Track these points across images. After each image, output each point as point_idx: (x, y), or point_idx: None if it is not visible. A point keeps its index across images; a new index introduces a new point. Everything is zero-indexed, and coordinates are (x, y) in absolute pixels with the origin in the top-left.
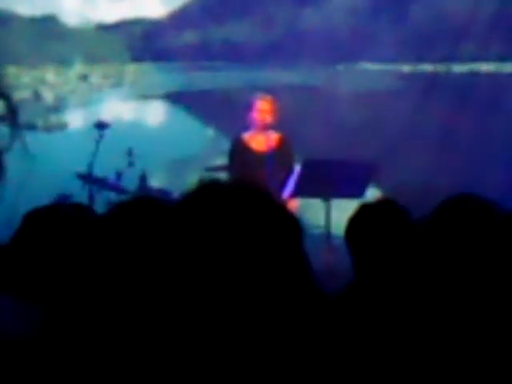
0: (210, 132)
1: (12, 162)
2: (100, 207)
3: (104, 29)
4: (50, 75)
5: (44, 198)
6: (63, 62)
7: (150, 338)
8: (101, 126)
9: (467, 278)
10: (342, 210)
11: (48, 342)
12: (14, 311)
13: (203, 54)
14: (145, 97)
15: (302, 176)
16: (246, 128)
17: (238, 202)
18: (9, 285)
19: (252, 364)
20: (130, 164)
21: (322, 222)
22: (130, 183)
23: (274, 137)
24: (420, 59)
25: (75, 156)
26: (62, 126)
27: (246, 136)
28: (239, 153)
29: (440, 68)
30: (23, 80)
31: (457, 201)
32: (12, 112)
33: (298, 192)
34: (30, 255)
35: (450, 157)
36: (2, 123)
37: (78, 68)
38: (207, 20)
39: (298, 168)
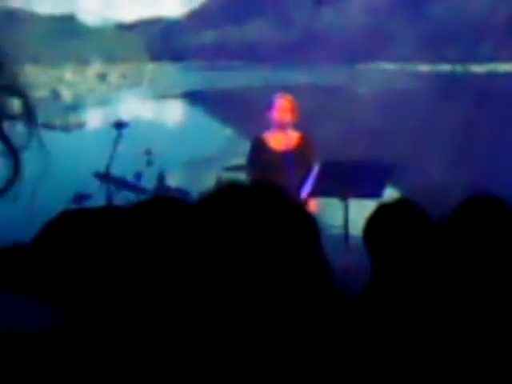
0: (227, 131)
1: (29, 160)
2: None
3: (123, 28)
4: (69, 74)
5: (62, 198)
6: (82, 61)
7: (172, 337)
8: (119, 125)
9: (485, 277)
10: (360, 210)
11: (70, 343)
12: (36, 312)
13: (221, 54)
14: (163, 96)
15: (319, 176)
16: (267, 128)
17: (256, 202)
18: (31, 285)
19: (270, 361)
20: (149, 163)
21: (339, 222)
22: (148, 183)
23: (294, 136)
24: (438, 59)
25: (93, 155)
26: (80, 125)
27: (266, 135)
28: (258, 152)
29: (458, 68)
30: (41, 79)
31: (476, 202)
32: (29, 111)
33: (315, 192)
34: (54, 256)
35: (468, 156)
36: (19, 122)
37: (97, 67)
38: (225, 20)
39: (315, 168)
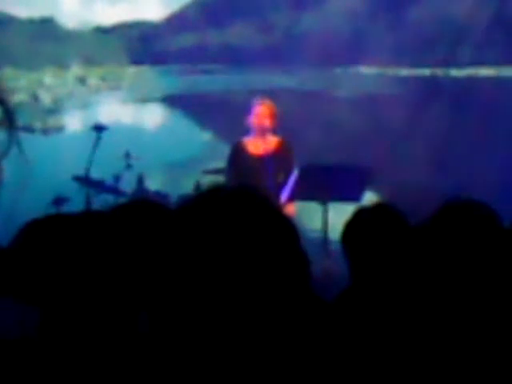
0: (207, 135)
1: (9, 165)
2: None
3: (102, 31)
4: (48, 77)
5: (41, 201)
6: (61, 65)
7: (145, 339)
8: (98, 128)
9: (462, 281)
10: (340, 214)
11: (45, 344)
12: (12, 313)
13: (201, 57)
14: (143, 100)
15: (299, 180)
16: (247, 133)
17: (236, 207)
18: (8, 287)
19: (246, 367)
20: (128, 167)
21: (319, 225)
22: (128, 186)
23: (273, 141)
24: (418, 63)
25: (72, 158)
26: (60, 129)
27: (246, 140)
28: (238, 157)
29: (438, 72)
30: (21, 82)
31: (454, 206)
32: (8, 116)
33: (295, 196)
34: (31, 259)
35: (448, 160)
36: None
37: (76, 70)
38: (206, 23)
39: (295, 172)
